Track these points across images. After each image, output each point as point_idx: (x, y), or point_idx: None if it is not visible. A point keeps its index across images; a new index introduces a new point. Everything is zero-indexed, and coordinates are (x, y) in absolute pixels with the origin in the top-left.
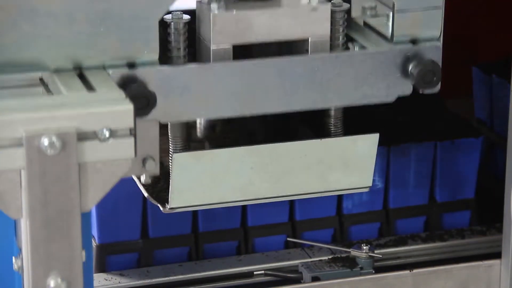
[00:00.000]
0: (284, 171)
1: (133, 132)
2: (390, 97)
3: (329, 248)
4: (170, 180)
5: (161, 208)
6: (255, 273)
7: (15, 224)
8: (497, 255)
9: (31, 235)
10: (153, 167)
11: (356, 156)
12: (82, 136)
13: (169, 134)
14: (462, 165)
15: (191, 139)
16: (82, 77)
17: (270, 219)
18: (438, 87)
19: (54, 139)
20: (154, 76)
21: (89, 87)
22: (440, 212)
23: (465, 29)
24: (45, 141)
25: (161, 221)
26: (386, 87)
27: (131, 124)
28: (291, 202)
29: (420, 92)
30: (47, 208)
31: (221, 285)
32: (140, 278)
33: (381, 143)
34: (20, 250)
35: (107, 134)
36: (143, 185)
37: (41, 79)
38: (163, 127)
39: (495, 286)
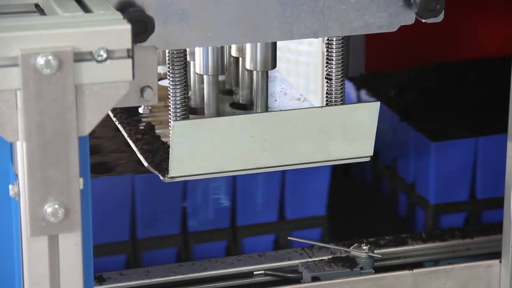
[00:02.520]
0: (285, 140)
1: (130, 54)
2: (392, 27)
3: (329, 248)
4: (170, 149)
5: (161, 177)
6: (255, 273)
7: (11, 150)
8: (497, 255)
9: (27, 158)
10: (151, 96)
11: (357, 124)
12: (79, 57)
13: (169, 102)
14: None
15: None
16: (79, 1)
17: (259, 219)
18: (442, 15)
19: (50, 58)
20: (152, 1)
21: (86, 9)
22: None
23: None
24: (41, 60)
25: (149, 222)
26: (388, 16)
27: (128, 44)
28: (281, 202)
29: (423, 21)
30: (44, 130)
31: (221, 285)
32: (140, 278)
33: None
34: (16, 176)
35: (104, 54)
36: (143, 154)
37: (37, 6)
38: (163, 99)
39: (495, 286)
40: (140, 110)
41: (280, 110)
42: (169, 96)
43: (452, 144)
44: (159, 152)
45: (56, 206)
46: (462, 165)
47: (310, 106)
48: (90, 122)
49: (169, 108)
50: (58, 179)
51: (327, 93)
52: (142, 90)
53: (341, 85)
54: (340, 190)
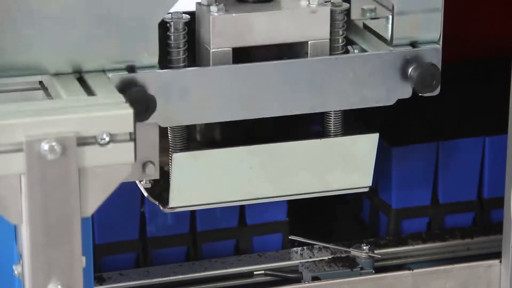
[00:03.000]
0: (284, 171)
1: (133, 137)
2: (389, 100)
3: (329, 248)
4: (170, 180)
5: (161, 208)
6: (255, 273)
7: (15, 230)
8: (497, 255)
9: (31, 240)
10: (153, 172)
11: (356, 156)
12: (82, 141)
13: (169, 134)
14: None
15: (190, 139)
16: (81, 81)
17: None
18: (438, 90)
19: (54, 143)
20: (153, 80)
21: (88, 91)
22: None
23: None
24: (45, 146)
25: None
26: (386, 90)
27: (130, 128)
28: (241, 207)
29: (420, 95)
30: (47, 214)
31: (221, 285)
32: (140, 278)
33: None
34: (20, 256)
35: (107, 138)
36: (143, 185)
37: (40, 83)
38: (163, 128)
39: (495, 286)
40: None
41: (279, 142)
42: (169, 128)
43: (412, 149)
44: (159, 182)
45: (59, 287)
46: (424, 170)
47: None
48: (93, 204)
49: (169, 139)
50: (61, 260)
51: (326, 124)
52: (144, 165)
53: (340, 116)
54: None
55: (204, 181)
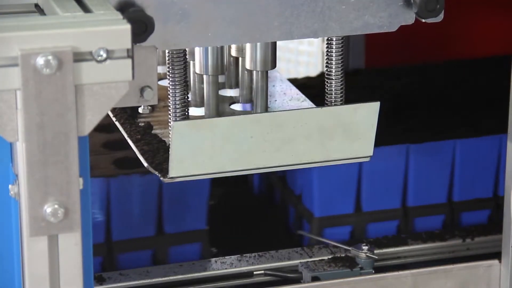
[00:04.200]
0: (285, 140)
1: (130, 54)
2: (392, 26)
3: (329, 248)
4: (170, 149)
5: (161, 178)
6: (255, 273)
7: (11, 150)
8: (497, 255)
9: (27, 158)
10: (151, 96)
11: (357, 124)
12: (79, 57)
13: (169, 102)
14: None
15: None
16: (79, 1)
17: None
18: (441, 15)
19: (50, 58)
20: (152, 1)
21: (85, 9)
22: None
23: None
24: (41, 60)
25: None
26: (388, 16)
27: (128, 44)
28: (159, 216)
29: (423, 21)
30: (44, 130)
31: (221, 285)
32: (140, 278)
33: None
34: (16, 176)
35: (104, 54)
36: (143, 154)
37: (36, 5)
38: (163, 99)
39: (495, 286)
40: (140, 110)
41: (280, 111)
42: (169, 96)
43: None
44: (159, 153)
45: (56, 206)
46: (346, 178)
47: (310, 106)
48: (90, 122)
49: (169, 108)
50: (57, 179)
51: (326, 93)
52: (142, 90)
53: (341, 84)
54: (235, 201)
55: (204, 151)
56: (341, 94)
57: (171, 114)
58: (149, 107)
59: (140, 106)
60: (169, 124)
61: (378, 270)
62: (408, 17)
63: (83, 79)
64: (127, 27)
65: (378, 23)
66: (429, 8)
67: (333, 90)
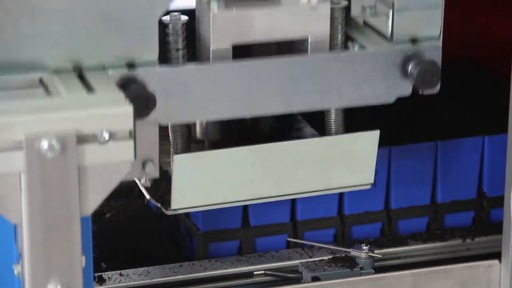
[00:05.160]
0: (286, 170)
1: (132, 134)
2: (389, 98)
3: (329, 248)
4: (172, 182)
5: (164, 210)
6: (255, 273)
7: (15, 230)
8: (497, 255)
9: (30, 239)
10: (153, 170)
11: (357, 153)
12: (82, 139)
13: (170, 136)
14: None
15: (191, 140)
16: (81, 78)
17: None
18: (438, 87)
19: (54, 141)
20: (153, 77)
21: (88, 88)
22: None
23: None
24: (45, 144)
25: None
26: (386, 88)
27: (130, 126)
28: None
29: (420, 93)
30: (47, 212)
31: (221, 285)
32: (140, 278)
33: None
34: (20, 255)
35: (106, 136)
36: (145, 187)
37: (40, 80)
38: (164, 129)
39: (495, 286)
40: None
41: (281, 141)
42: (170, 129)
43: None
44: (162, 184)
45: (59, 286)
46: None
47: (311, 133)
48: (92, 202)
49: (171, 140)
50: (60, 260)
51: (327, 122)
52: (144, 163)
53: (341, 114)
54: (130, 214)
55: (206, 182)
56: (341, 123)
57: (172, 147)
58: None
59: None
60: (171, 155)
61: (378, 270)
62: (405, 89)
63: (86, 161)
64: (129, 109)
65: (375, 94)
66: (426, 81)
67: (333, 119)
